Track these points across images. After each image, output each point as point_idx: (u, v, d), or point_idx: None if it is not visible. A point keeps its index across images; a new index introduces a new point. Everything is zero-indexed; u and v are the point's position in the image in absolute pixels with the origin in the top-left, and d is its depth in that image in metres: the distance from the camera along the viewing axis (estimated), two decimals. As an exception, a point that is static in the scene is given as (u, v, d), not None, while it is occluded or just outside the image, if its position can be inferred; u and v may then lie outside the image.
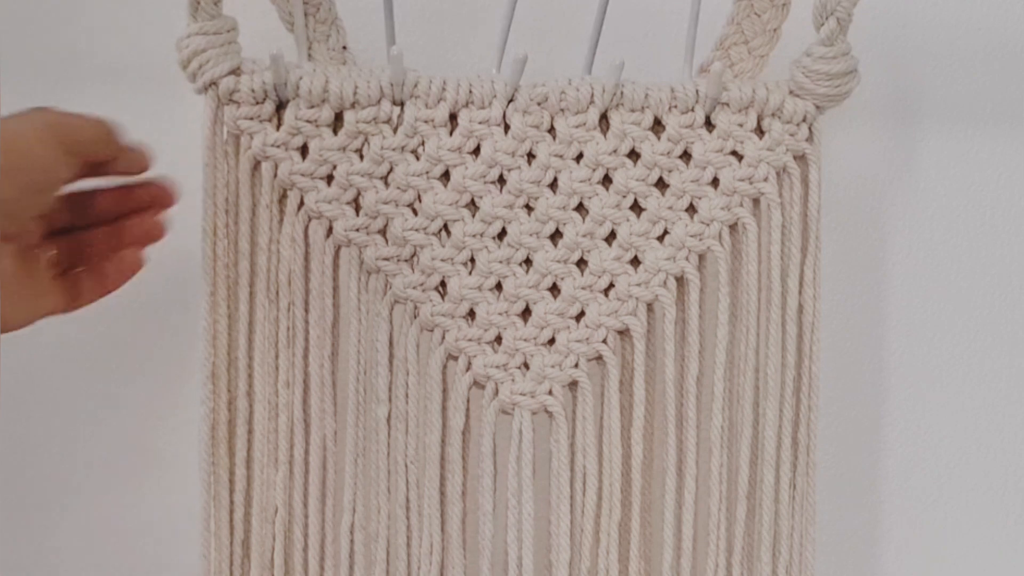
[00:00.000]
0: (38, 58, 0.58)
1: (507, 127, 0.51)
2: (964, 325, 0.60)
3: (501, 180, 0.51)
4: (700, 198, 0.52)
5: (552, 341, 0.52)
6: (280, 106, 0.50)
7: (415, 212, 0.51)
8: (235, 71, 0.49)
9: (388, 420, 0.51)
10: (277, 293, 0.50)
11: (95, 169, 0.49)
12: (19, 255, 0.47)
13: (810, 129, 0.51)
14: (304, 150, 0.50)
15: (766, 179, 0.52)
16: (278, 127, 0.50)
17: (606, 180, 0.52)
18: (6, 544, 0.54)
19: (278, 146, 0.50)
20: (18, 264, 0.47)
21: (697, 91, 0.51)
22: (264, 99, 0.49)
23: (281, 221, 0.50)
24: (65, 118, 0.47)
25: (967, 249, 0.60)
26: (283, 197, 0.51)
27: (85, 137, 0.47)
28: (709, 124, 0.52)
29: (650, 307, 0.53)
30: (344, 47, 0.54)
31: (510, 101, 0.51)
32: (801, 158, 0.52)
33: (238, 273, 0.50)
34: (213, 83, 0.49)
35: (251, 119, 0.49)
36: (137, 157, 0.50)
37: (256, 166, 0.50)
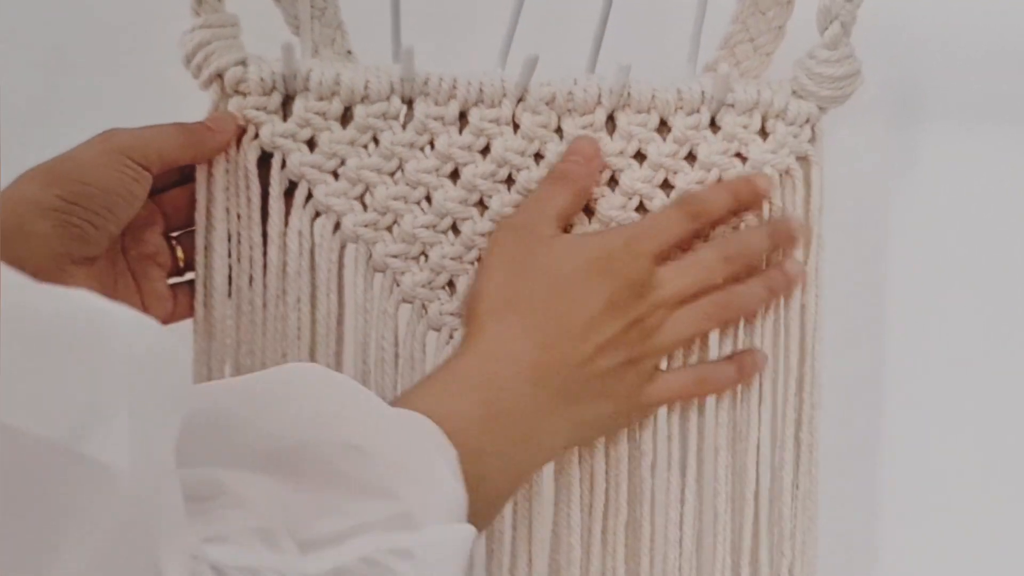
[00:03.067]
0: (38, 60, 0.55)
1: (516, 126, 0.49)
2: (967, 324, 0.59)
3: (510, 180, 0.49)
4: (704, 200, 0.51)
5: (559, 341, 0.50)
6: (286, 100, 0.48)
7: (424, 210, 0.49)
8: (241, 62, 0.47)
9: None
10: (285, 288, 0.47)
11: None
12: (105, 275, 0.45)
13: (813, 130, 0.50)
14: (311, 143, 0.48)
15: (769, 181, 0.51)
16: (284, 120, 0.47)
17: (612, 181, 0.50)
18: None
19: (287, 136, 0.47)
20: (105, 284, 0.45)
21: (703, 92, 0.50)
22: (272, 90, 0.47)
23: (288, 214, 0.48)
24: (132, 136, 0.45)
25: (970, 249, 0.59)
26: (289, 190, 0.48)
27: (156, 150, 0.45)
28: (714, 125, 0.50)
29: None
30: (349, 51, 0.52)
31: (520, 100, 0.49)
32: (804, 159, 0.50)
33: (250, 266, 0.47)
34: (219, 74, 0.47)
35: (258, 109, 0.47)
36: (220, 137, 0.47)
37: (263, 157, 0.47)
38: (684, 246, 0.49)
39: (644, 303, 0.46)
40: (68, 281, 0.43)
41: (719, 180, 0.50)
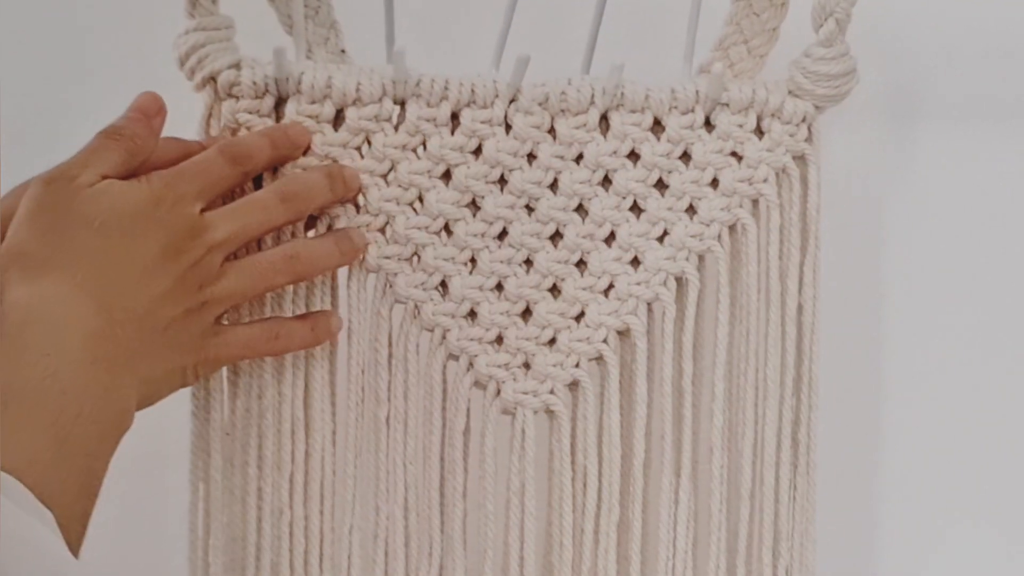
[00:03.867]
0: (37, 60, 0.56)
1: (508, 127, 0.49)
2: (964, 325, 0.58)
3: (502, 180, 0.49)
4: (700, 199, 0.50)
5: (553, 341, 0.50)
6: (279, 103, 0.48)
7: (416, 211, 0.49)
8: (235, 66, 0.47)
9: (387, 420, 0.48)
10: (282, 290, 0.47)
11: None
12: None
13: (809, 129, 0.49)
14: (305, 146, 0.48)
15: (765, 180, 0.50)
16: (277, 123, 0.48)
17: (606, 181, 0.50)
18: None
19: None
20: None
21: (697, 92, 0.49)
22: (264, 93, 0.47)
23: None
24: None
25: (967, 249, 0.58)
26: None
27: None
28: (709, 125, 0.49)
29: (650, 307, 0.50)
30: (343, 51, 0.51)
31: (512, 101, 0.49)
32: (800, 158, 0.50)
33: None
34: (212, 78, 0.47)
35: (251, 113, 0.47)
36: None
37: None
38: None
39: (196, 247, 0.42)
40: None
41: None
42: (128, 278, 0.41)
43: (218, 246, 0.43)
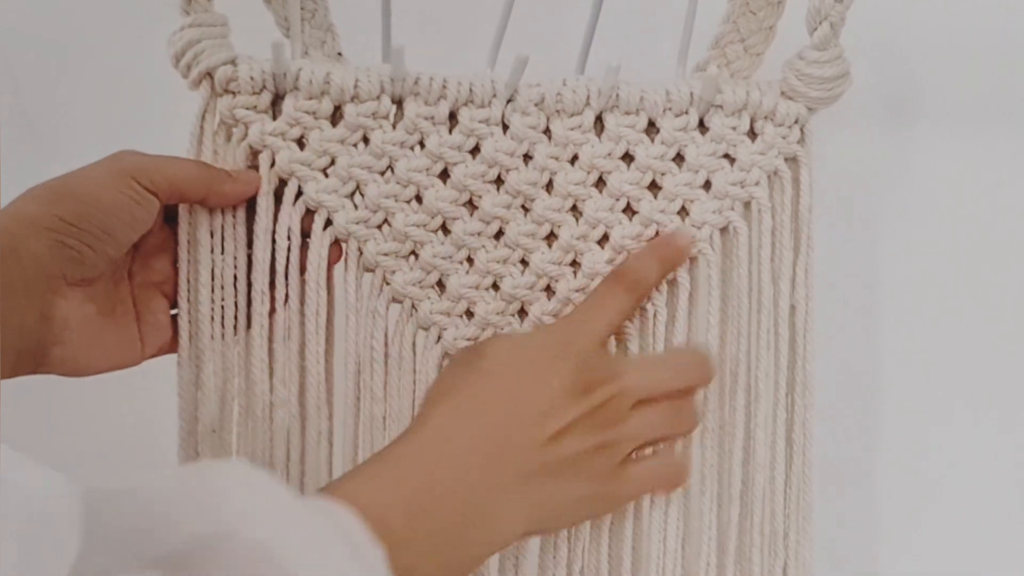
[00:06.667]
0: (34, 60, 0.54)
1: (506, 127, 0.48)
2: (959, 325, 0.58)
3: (499, 180, 0.48)
4: (692, 201, 0.49)
5: (548, 341, 0.49)
6: (276, 99, 0.46)
7: (415, 208, 0.47)
8: (231, 61, 0.46)
9: (384, 420, 0.47)
10: (273, 285, 0.46)
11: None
12: (103, 298, 0.43)
13: (802, 131, 0.49)
14: (301, 142, 0.46)
15: (758, 183, 0.49)
16: (274, 119, 0.46)
17: (600, 183, 0.49)
18: None
19: (276, 135, 0.46)
20: (102, 307, 0.43)
21: (691, 94, 0.48)
22: (262, 89, 0.46)
23: (277, 212, 0.46)
24: (141, 159, 0.43)
25: (961, 249, 0.58)
26: (279, 188, 0.46)
27: (166, 178, 0.43)
28: (702, 127, 0.49)
29: (642, 309, 0.49)
30: (339, 53, 0.50)
31: (509, 101, 0.48)
32: (793, 160, 0.49)
33: (234, 263, 0.46)
34: (208, 73, 0.45)
35: (248, 108, 0.45)
36: (240, 187, 0.45)
37: (251, 156, 0.46)
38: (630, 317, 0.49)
39: (609, 387, 0.44)
40: (61, 302, 0.41)
41: (648, 241, 0.49)
42: (528, 409, 0.43)
43: (627, 392, 0.44)
